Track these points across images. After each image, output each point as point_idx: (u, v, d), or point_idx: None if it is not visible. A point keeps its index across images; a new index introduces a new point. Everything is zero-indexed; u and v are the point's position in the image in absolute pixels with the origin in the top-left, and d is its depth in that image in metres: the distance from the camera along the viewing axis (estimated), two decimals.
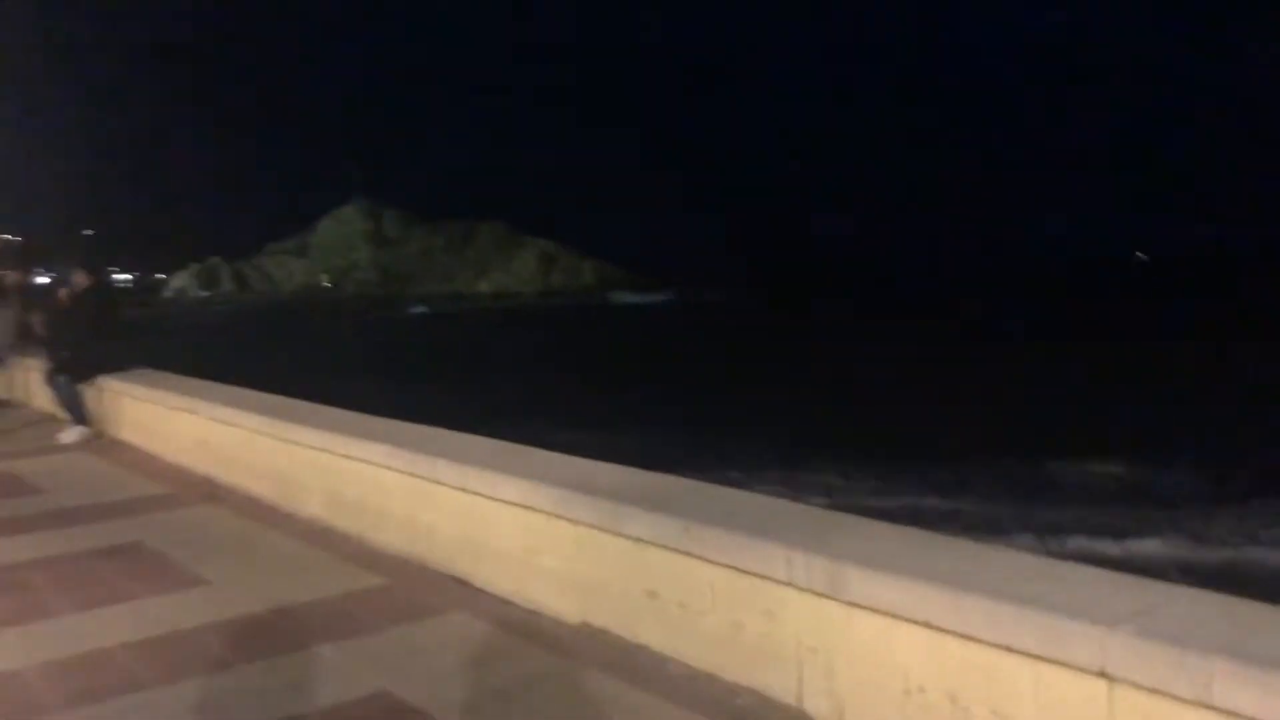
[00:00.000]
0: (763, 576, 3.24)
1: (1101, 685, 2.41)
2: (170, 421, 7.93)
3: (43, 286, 14.01)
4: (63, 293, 9.81)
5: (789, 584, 3.15)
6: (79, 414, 9.27)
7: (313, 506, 5.90)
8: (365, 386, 24.34)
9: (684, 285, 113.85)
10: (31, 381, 11.07)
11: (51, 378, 9.40)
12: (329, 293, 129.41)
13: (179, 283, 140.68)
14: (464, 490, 4.65)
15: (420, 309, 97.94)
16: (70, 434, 9.15)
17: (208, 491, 6.80)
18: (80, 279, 9.58)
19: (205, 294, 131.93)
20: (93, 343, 9.28)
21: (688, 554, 3.51)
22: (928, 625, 2.78)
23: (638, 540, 3.73)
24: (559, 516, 4.10)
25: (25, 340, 10.83)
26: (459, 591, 4.63)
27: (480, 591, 4.57)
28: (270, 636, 4.22)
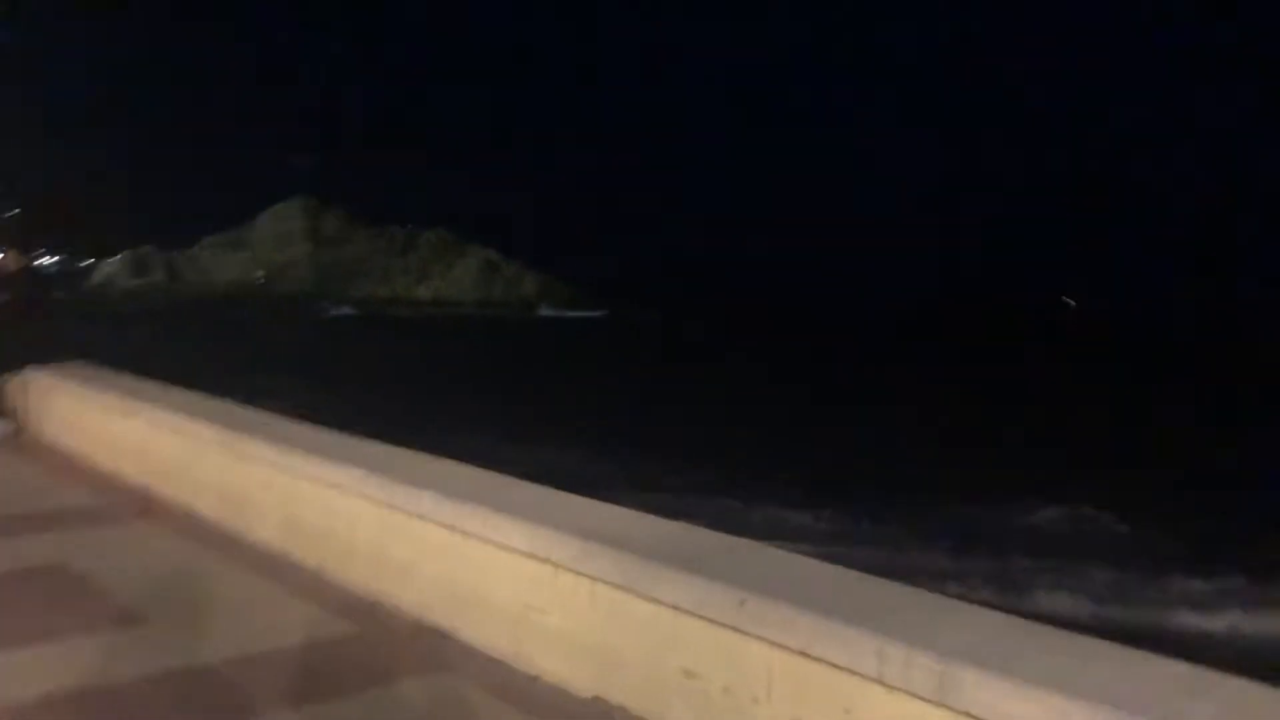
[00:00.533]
0: (843, 669, 2.69)
1: None
2: (105, 423, 7.17)
3: None
4: None
5: (878, 681, 2.61)
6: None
7: (265, 531, 5.23)
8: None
9: (626, 303, 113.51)
10: None
11: None
12: (262, 288, 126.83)
13: (108, 270, 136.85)
14: (453, 529, 4.04)
15: (344, 310, 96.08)
16: None
17: (144, 506, 6.06)
18: (9, 261, 8.78)
19: (135, 283, 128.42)
20: (20, 330, 8.49)
21: (741, 631, 2.94)
22: None
23: (676, 609, 3.15)
24: (573, 570, 3.51)
25: None
26: (442, 647, 4.01)
27: (468, 649, 3.95)
28: (222, 695, 3.58)
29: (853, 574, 3.13)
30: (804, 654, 2.78)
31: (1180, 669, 2.48)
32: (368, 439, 5.21)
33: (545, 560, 3.62)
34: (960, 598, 3.36)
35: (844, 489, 18.90)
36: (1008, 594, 13.03)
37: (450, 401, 29.15)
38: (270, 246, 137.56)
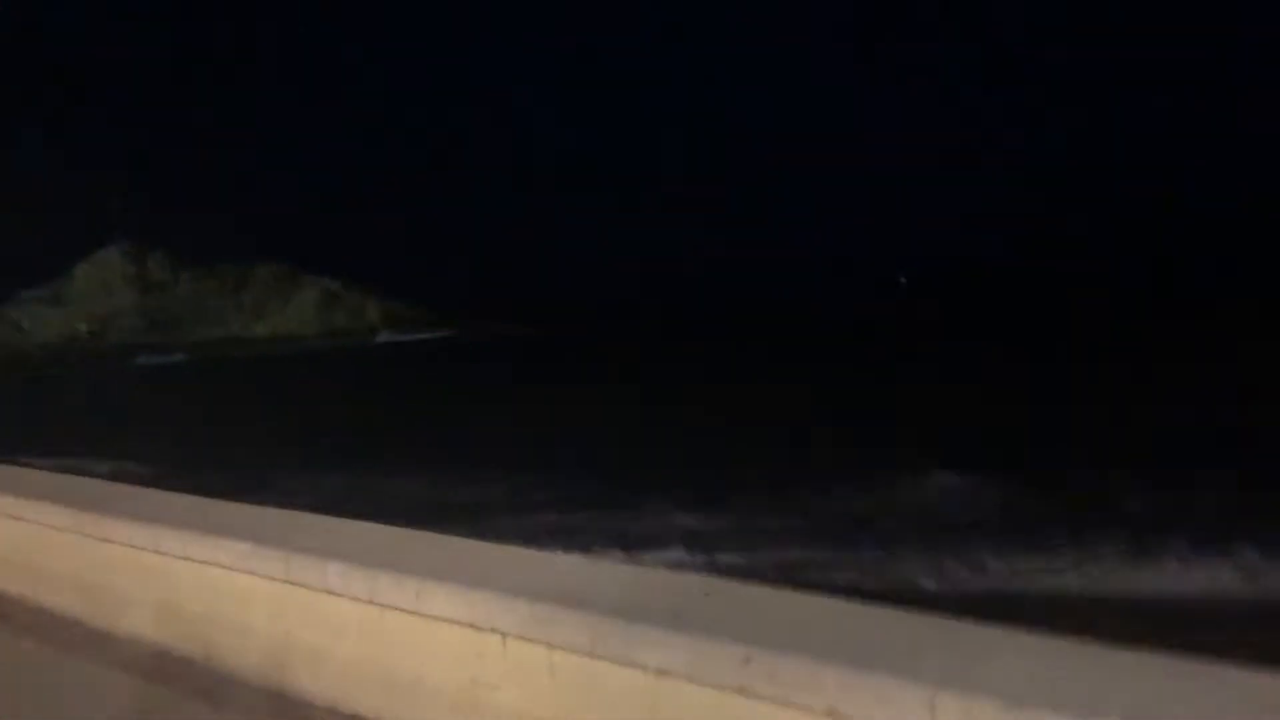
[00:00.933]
0: None
1: None
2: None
3: None
4: None
5: None
6: None
7: (138, 624, 4.53)
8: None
9: (474, 322, 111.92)
10: None
11: None
12: (88, 342, 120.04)
13: None
14: (371, 603, 3.49)
15: (171, 358, 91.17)
16: None
17: None
18: None
19: None
20: None
21: (751, 694, 2.51)
22: None
23: (661, 673, 2.70)
24: (527, 639, 3.02)
25: None
26: None
27: None
28: None
29: (877, 610, 2.72)
30: (834, 713, 2.36)
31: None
32: (255, 506, 4.58)
33: (490, 630, 3.11)
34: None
35: (716, 490, 18.85)
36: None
37: (271, 441, 28.33)
38: (92, 297, 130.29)
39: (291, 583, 3.78)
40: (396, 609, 3.39)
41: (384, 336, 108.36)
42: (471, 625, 3.15)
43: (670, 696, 2.68)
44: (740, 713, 2.53)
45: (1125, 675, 2.24)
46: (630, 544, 14.67)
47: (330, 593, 3.62)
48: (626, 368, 49.11)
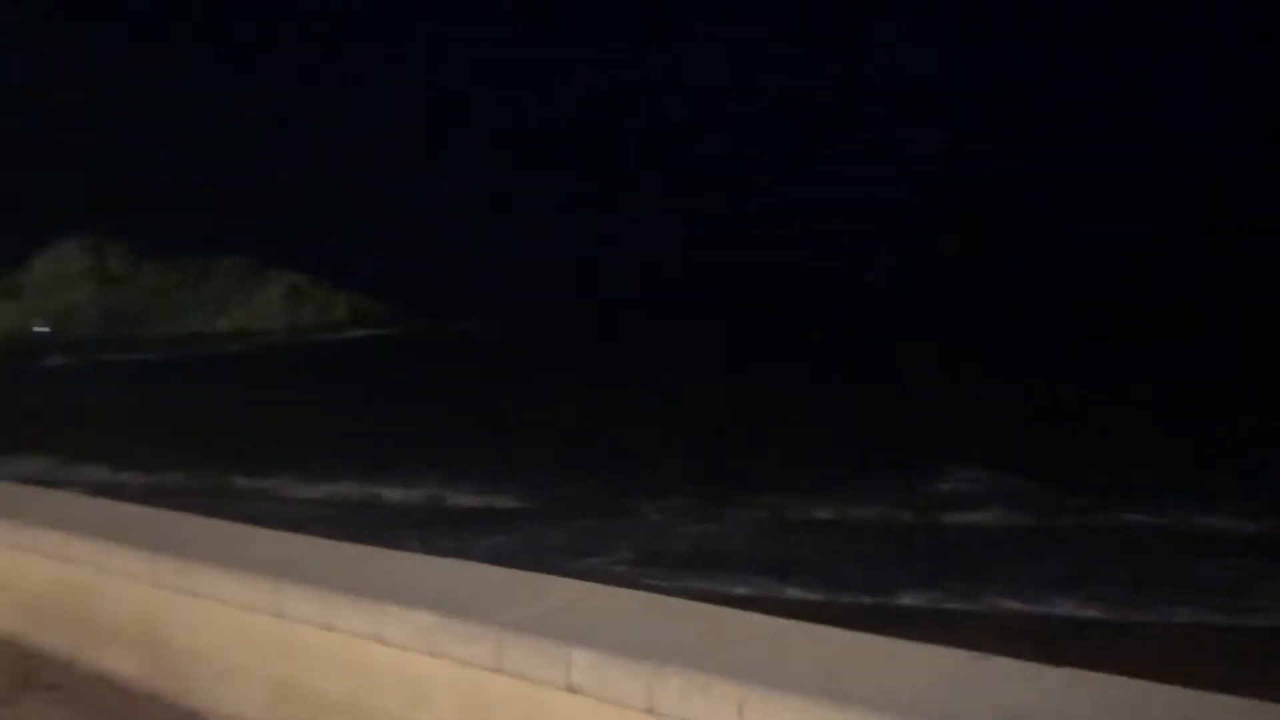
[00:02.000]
0: None
1: None
2: None
3: None
4: None
5: None
6: None
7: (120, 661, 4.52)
8: None
9: (443, 318, 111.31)
10: None
11: None
12: (45, 338, 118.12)
13: None
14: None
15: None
16: None
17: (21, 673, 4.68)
18: None
19: None
20: None
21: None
22: None
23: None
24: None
25: None
26: None
27: None
28: None
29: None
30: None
31: None
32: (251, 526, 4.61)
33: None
34: None
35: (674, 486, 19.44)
36: None
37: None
38: (49, 292, 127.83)
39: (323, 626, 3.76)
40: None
41: (354, 333, 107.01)
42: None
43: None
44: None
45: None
46: None
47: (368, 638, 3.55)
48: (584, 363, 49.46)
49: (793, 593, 12.65)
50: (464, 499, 19.93)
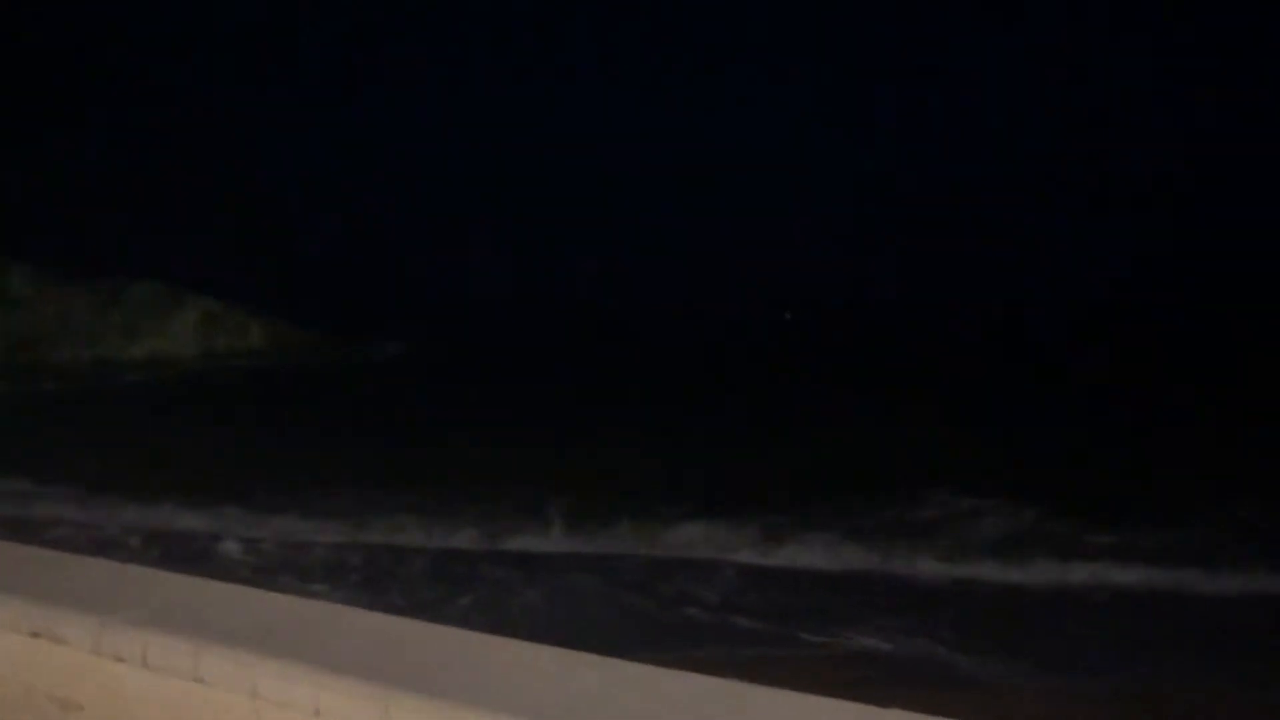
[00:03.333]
0: None
1: None
2: None
3: None
4: None
5: None
6: None
7: None
8: None
9: (371, 343, 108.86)
10: None
11: None
12: None
13: None
14: None
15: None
16: None
17: None
18: None
19: None
20: None
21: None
22: None
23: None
24: None
25: None
26: None
27: None
28: None
29: None
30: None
31: None
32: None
33: None
34: None
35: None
36: None
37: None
38: None
39: None
40: None
41: (266, 360, 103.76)
42: None
43: None
44: None
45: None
46: None
47: None
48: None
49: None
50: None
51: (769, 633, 12.19)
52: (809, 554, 16.03)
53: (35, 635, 3.94)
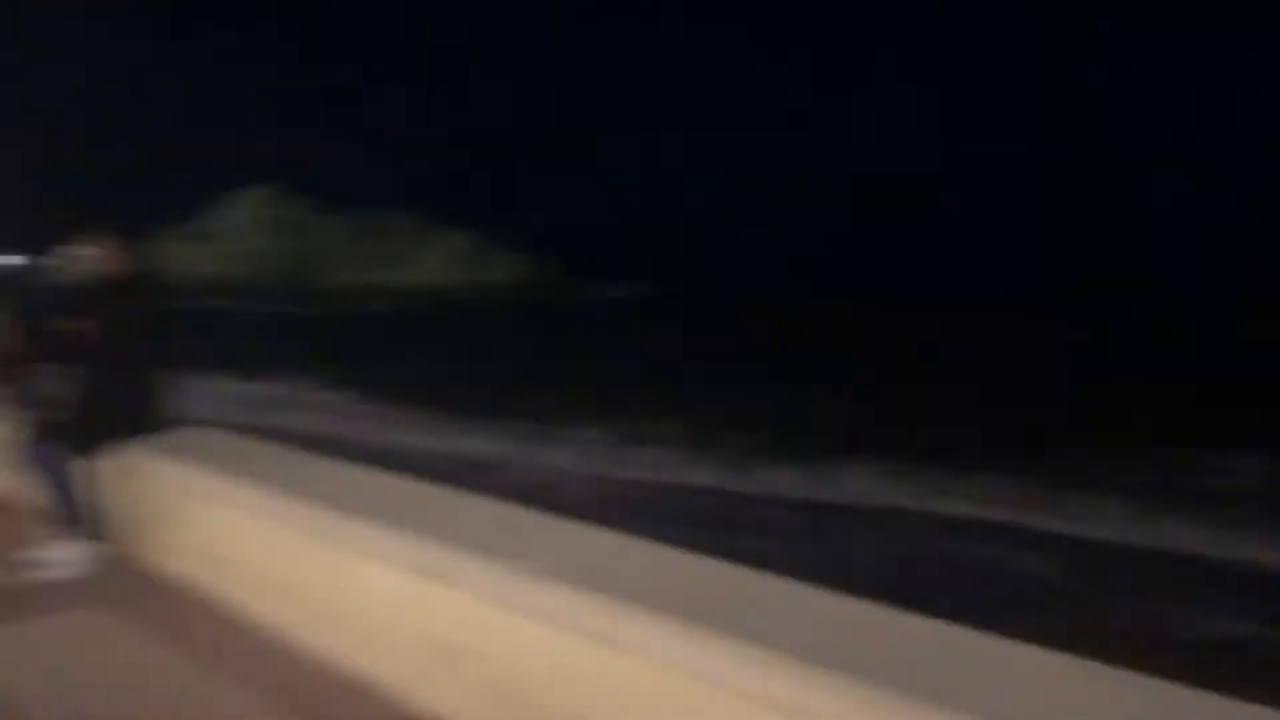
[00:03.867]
0: None
1: None
2: (286, 548, 4.68)
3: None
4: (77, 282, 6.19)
5: None
6: (75, 515, 5.83)
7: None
8: None
9: (633, 281, 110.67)
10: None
11: (33, 446, 5.96)
12: (226, 282, 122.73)
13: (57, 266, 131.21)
14: None
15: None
16: (60, 553, 5.73)
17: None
18: (112, 259, 6.00)
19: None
20: (127, 380, 5.87)
21: None
22: None
23: None
24: None
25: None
26: None
27: None
28: None
29: None
30: None
31: None
32: None
33: None
34: None
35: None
36: None
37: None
38: (234, 237, 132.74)
39: None
40: None
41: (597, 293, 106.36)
42: None
43: None
44: None
45: None
46: None
47: None
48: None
49: None
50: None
51: (1101, 606, 11.00)
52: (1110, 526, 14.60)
53: (426, 575, 3.64)
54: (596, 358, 39.04)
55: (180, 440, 5.90)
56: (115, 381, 5.80)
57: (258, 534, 4.81)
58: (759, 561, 3.17)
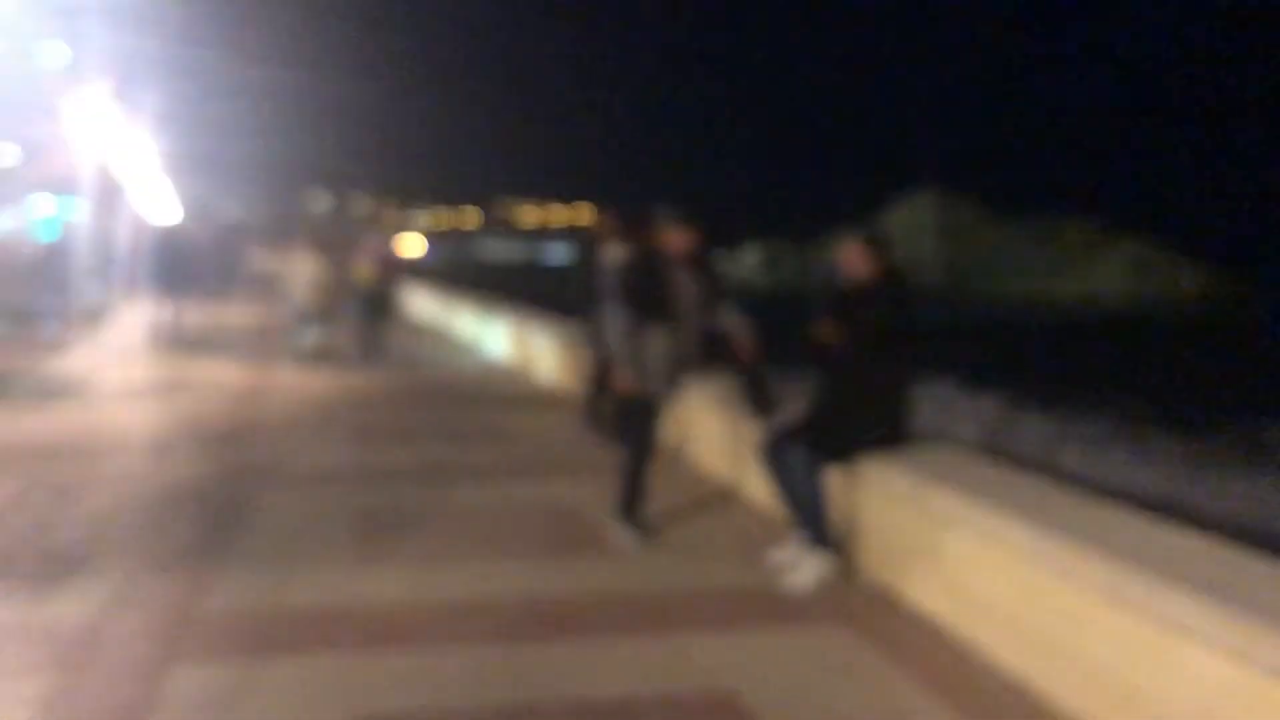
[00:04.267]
0: None
1: None
2: (1039, 588, 4.07)
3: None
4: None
5: None
6: (818, 525, 5.75)
7: None
8: None
9: None
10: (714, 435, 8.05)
11: (773, 448, 5.98)
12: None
13: (750, 260, 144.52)
14: None
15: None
16: (798, 561, 5.68)
17: None
18: (855, 259, 5.88)
19: (768, 279, 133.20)
20: (876, 389, 5.68)
21: None
22: None
23: None
24: None
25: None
26: None
27: None
28: None
29: None
30: None
31: None
32: None
33: None
34: None
35: None
36: None
37: None
38: (900, 241, 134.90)
39: None
40: None
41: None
42: None
43: None
44: None
45: None
46: None
47: None
48: None
49: None
50: None
51: None
52: None
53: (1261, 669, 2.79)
54: None
55: (928, 458, 5.52)
56: (864, 389, 5.58)
57: (1016, 576, 4.21)
58: None
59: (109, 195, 27.87)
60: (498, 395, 12.69)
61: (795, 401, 6.43)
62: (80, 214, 25.16)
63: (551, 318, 15.28)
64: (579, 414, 9.96)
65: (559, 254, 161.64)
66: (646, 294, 6.18)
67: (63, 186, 27.95)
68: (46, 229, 30.67)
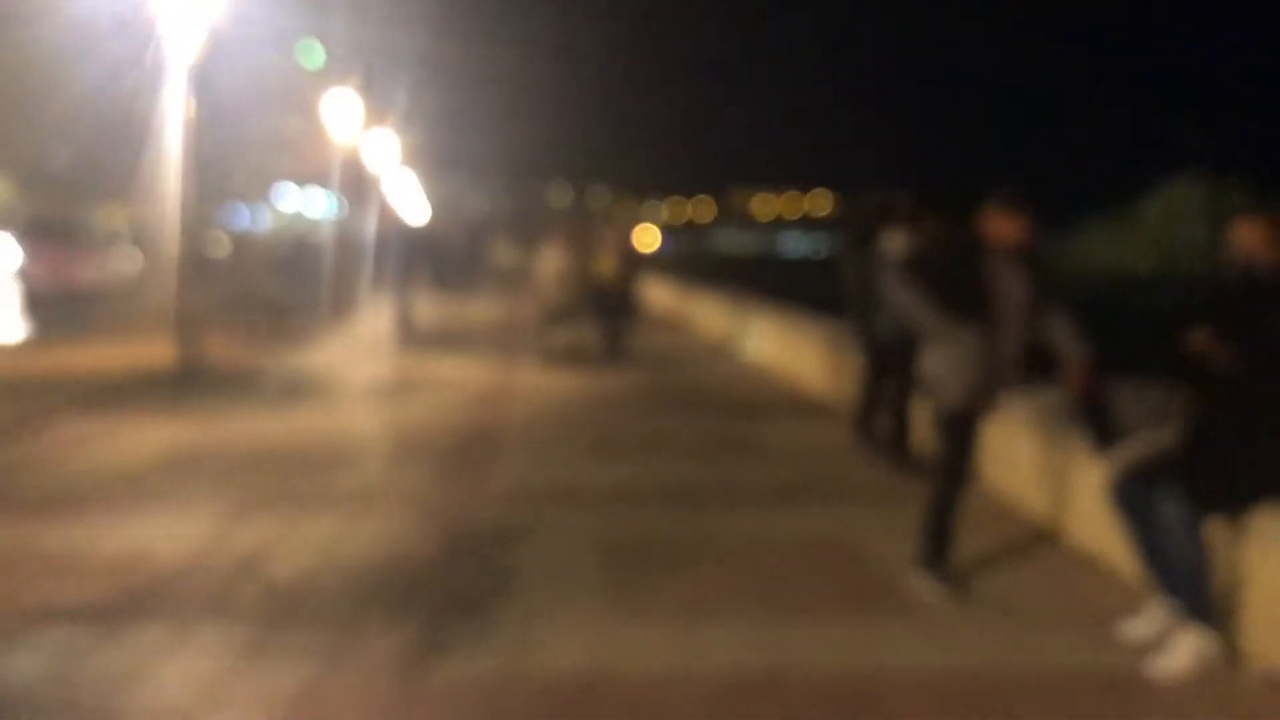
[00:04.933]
0: None
1: None
2: None
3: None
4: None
5: None
6: (1197, 593, 4.43)
7: None
8: None
9: None
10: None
11: (1128, 490, 4.69)
12: (1146, 275, 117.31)
13: None
14: None
15: None
16: (1173, 651, 4.39)
17: None
18: (1258, 245, 4.58)
19: None
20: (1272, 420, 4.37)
21: None
22: None
23: None
24: None
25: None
26: None
27: None
28: None
29: None
30: None
31: None
32: None
33: None
34: None
35: None
36: None
37: None
38: (1161, 228, 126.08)
39: None
40: None
41: None
42: None
43: None
44: None
45: None
46: None
47: None
48: None
49: None
50: None
51: None
52: None
53: None
54: None
55: None
56: (1264, 421, 4.22)
57: None
58: None
59: (360, 191, 28.76)
60: (752, 401, 11.68)
61: (1138, 411, 5.18)
62: (332, 209, 26.01)
63: (813, 315, 14.19)
64: (848, 426, 8.85)
65: (796, 245, 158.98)
66: (960, 290, 5.05)
67: (316, 182, 29.00)
68: (297, 224, 32.07)
